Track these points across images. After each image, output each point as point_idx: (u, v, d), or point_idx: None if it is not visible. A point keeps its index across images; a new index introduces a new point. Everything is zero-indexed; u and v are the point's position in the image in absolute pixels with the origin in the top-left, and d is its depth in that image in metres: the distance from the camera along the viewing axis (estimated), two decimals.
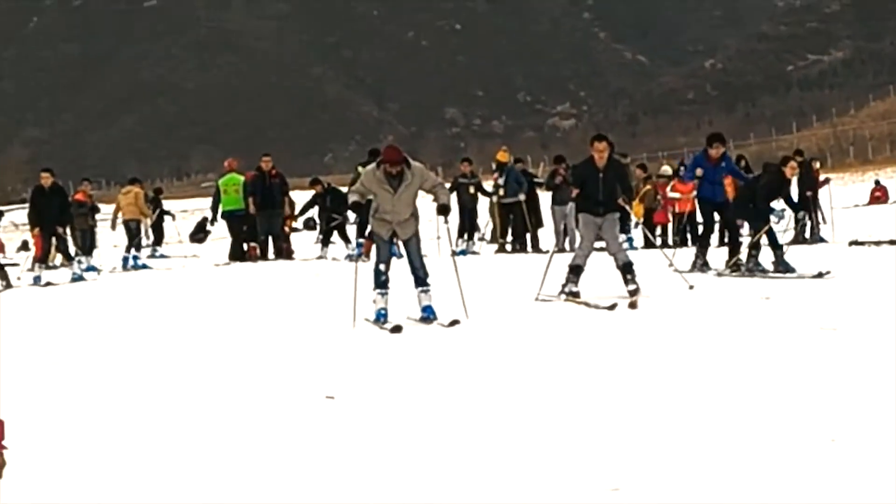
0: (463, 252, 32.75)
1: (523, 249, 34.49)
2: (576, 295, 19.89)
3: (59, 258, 35.81)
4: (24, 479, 8.89)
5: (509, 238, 35.25)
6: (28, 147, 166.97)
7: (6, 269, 29.41)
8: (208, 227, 34.62)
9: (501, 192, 33.87)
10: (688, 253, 27.61)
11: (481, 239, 36.82)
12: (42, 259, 30.05)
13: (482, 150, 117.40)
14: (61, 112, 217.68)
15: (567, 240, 32.18)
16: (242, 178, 33.32)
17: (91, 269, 32.49)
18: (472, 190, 34.41)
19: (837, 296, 19.57)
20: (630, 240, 34.80)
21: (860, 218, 44.02)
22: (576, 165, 22.59)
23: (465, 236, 34.48)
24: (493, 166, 36.06)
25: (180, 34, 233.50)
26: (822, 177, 37.50)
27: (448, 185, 35.41)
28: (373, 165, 18.47)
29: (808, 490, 9.20)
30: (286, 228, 35.34)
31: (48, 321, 20.31)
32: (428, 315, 18.31)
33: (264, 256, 32.29)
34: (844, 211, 42.91)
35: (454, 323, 17.82)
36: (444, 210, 18.64)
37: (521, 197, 33.71)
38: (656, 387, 12.73)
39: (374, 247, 20.17)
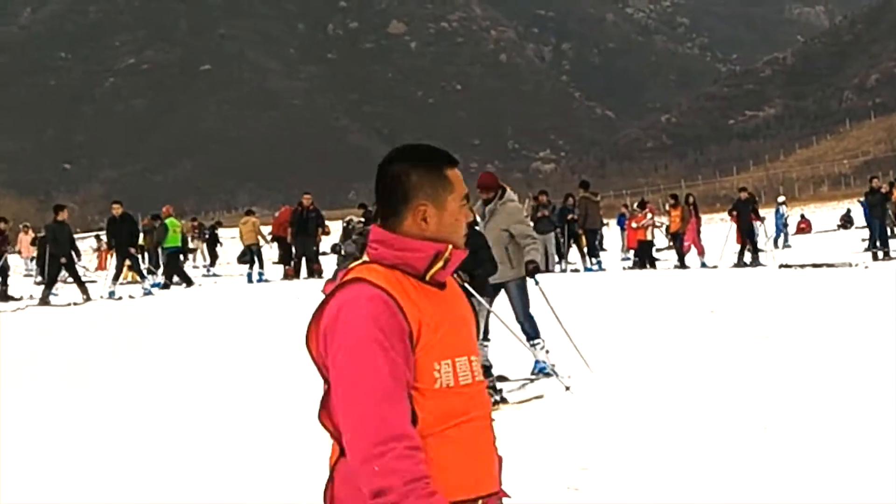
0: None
1: None
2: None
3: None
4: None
5: None
6: (104, 185, 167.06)
7: (86, 284, 29.35)
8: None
9: None
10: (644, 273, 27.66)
11: None
12: (116, 277, 30.01)
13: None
14: (131, 156, 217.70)
15: (548, 262, 32.13)
16: (180, 223, 34.28)
17: (156, 285, 32.42)
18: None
19: (770, 309, 19.59)
20: (599, 262, 34.81)
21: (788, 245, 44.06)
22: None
23: None
24: None
25: (229, 92, 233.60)
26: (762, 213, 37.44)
27: None
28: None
29: (743, 470, 9.23)
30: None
31: (116, 330, 20.29)
32: (538, 369, 14.10)
33: (297, 275, 32.35)
34: (771, 242, 42.84)
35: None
36: (532, 272, 13.97)
37: None
38: (617, 385, 12.78)
39: None
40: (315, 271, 32.81)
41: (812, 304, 20.25)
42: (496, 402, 11.97)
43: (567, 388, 12.78)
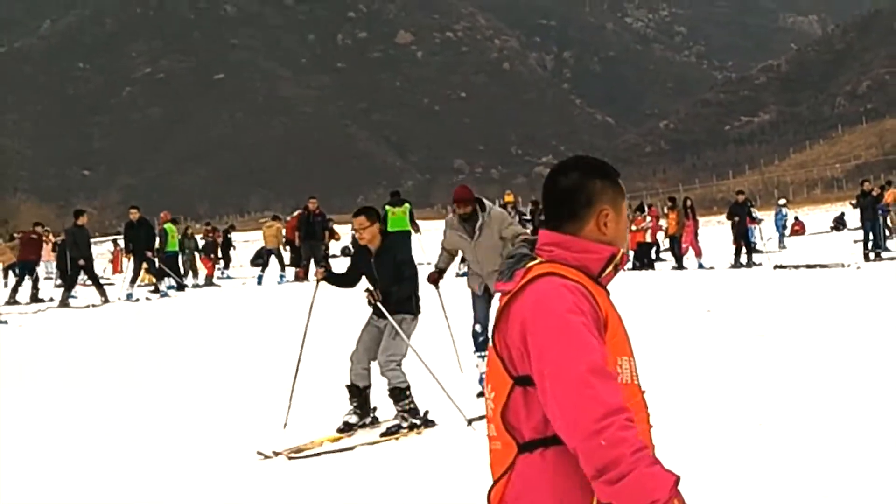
0: (465, 274, 32.67)
1: None
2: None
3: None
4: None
5: None
6: (121, 191, 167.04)
7: (104, 287, 29.39)
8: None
9: None
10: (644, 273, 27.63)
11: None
12: (133, 279, 30.04)
13: (482, 192, 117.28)
14: (147, 163, 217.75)
15: None
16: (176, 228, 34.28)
17: (173, 287, 32.40)
18: None
19: (765, 309, 19.57)
20: None
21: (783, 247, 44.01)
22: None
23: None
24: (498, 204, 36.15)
25: (242, 101, 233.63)
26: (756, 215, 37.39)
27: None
28: (451, 214, 13.76)
29: (738, 467, 9.22)
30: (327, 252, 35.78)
31: (133, 331, 20.29)
32: None
33: (307, 277, 32.35)
34: (770, 242, 42.73)
35: None
36: None
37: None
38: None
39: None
40: None
41: (806, 303, 20.24)
42: (414, 426, 11.38)
43: None
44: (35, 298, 31.27)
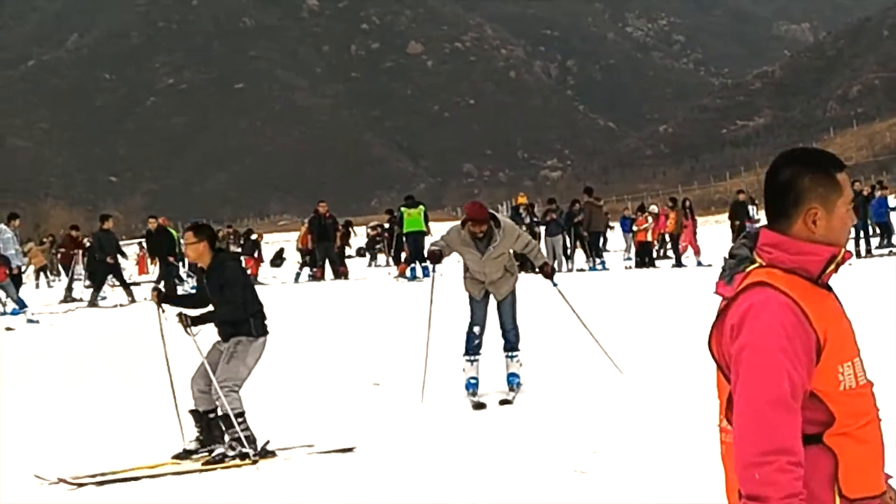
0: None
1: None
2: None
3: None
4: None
5: None
6: (145, 197, 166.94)
7: (132, 287, 29.43)
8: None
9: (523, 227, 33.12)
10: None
11: None
12: (157, 282, 30.08)
13: (491, 195, 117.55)
14: (171, 169, 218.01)
15: (556, 262, 32.10)
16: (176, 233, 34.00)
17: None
18: None
19: None
20: (603, 262, 34.80)
21: None
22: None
23: None
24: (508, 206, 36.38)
25: (261, 109, 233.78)
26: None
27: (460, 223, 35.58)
28: (457, 225, 12.53)
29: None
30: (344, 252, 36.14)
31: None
32: (510, 383, 12.60)
33: (324, 276, 32.41)
34: None
35: (504, 402, 12.15)
36: (550, 274, 12.88)
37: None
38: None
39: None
40: (340, 273, 32.85)
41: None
42: (245, 456, 10.18)
43: (507, 402, 12.25)
44: (69, 298, 31.30)
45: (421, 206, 30.38)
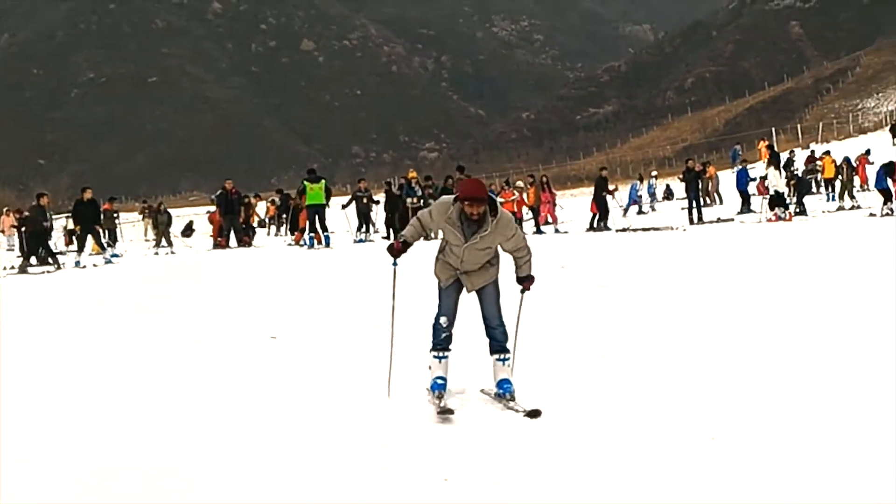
0: (361, 241, 32.72)
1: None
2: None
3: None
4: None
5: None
6: (71, 177, 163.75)
7: (57, 256, 28.97)
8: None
9: (416, 199, 32.74)
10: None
11: (375, 232, 36.34)
12: (80, 249, 29.53)
13: (377, 174, 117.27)
14: (93, 153, 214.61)
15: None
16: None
17: (116, 255, 31.97)
18: (365, 200, 33.98)
19: (609, 264, 19.76)
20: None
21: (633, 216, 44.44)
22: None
23: (363, 229, 33.98)
24: (401, 181, 36.17)
25: (173, 100, 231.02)
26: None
27: (349, 198, 35.44)
28: (445, 200, 9.40)
29: (588, 396, 9.29)
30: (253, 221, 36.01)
31: (82, 294, 19.97)
32: (504, 392, 9.33)
33: (228, 245, 32.08)
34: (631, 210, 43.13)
35: (535, 413, 8.79)
36: (526, 282, 9.72)
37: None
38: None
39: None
40: (244, 242, 32.58)
41: (642, 258, 20.53)
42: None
43: (526, 412, 8.86)
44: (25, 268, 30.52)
45: (323, 181, 29.91)
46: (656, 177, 55.79)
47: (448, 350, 9.38)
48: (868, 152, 49.02)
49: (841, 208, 37.31)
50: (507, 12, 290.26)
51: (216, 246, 32.63)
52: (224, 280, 20.47)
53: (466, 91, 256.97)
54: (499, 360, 9.35)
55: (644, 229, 30.75)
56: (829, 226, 27.52)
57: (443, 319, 9.33)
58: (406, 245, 9.46)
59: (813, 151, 56.76)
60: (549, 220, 37.24)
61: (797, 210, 34.63)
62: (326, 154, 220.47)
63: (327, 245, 28.82)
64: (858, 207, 36.38)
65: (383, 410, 9.08)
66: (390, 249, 9.50)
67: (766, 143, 61.27)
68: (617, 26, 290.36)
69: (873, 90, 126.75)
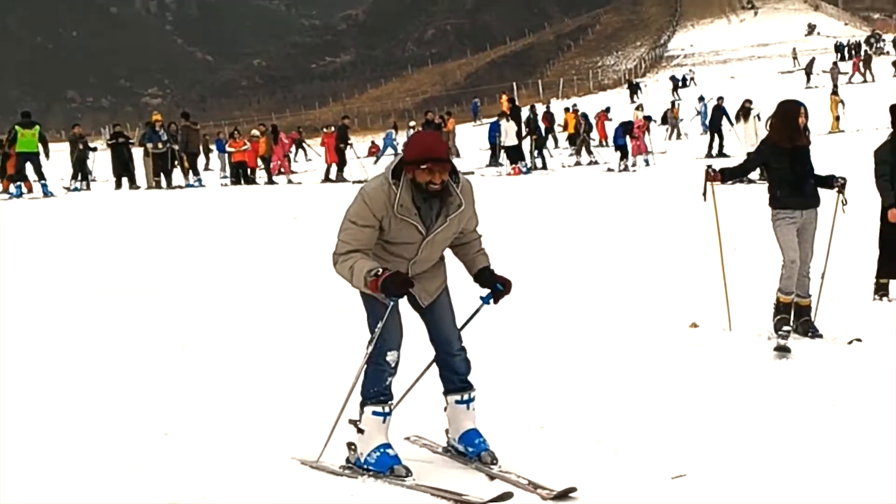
0: (77, 189, 31.94)
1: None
2: None
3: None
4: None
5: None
6: None
7: None
8: None
9: (160, 145, 31.57)
10: None
11: (94, 181, 35.33)
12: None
13: (94, 119, 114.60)
14: None
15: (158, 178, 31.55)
16: None
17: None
18: (81, 146, 33.09)
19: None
20: (199, 180, 34.56)
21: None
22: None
23: (79, 178, 32.94)
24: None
25: None
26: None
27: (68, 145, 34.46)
28: (380, 178, 6.07)
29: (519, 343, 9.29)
30: None
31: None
32: (476, 450, 6.31)
33: None
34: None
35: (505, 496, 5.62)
36: (504, 285, 6.29)
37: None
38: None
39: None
40: None
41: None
42: None
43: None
44: None
45: (37, 127, 28.61)
46: (394, 129, 56.27)
47: (390, 401, 6.28)
48: (608, 109, 51.23)
49: (578, 163, 39.01)
50: None
51: None
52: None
53: (192, 35, 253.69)
54: (460, 401, 6.40)
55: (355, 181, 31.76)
56: (568, 179, 28.53)
57: (390, 356, 6.19)
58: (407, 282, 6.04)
59: (548, 106, 58.86)
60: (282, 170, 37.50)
61: (537, 165, 35.91)
62: (38, 98, 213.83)
63: (46, 195, 27.87)
64: (595, 163, 38.18)
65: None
66: (393, 285, 5.90)
67: (508, 97, 62.76)
68: None
69: (613, 48, 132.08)
